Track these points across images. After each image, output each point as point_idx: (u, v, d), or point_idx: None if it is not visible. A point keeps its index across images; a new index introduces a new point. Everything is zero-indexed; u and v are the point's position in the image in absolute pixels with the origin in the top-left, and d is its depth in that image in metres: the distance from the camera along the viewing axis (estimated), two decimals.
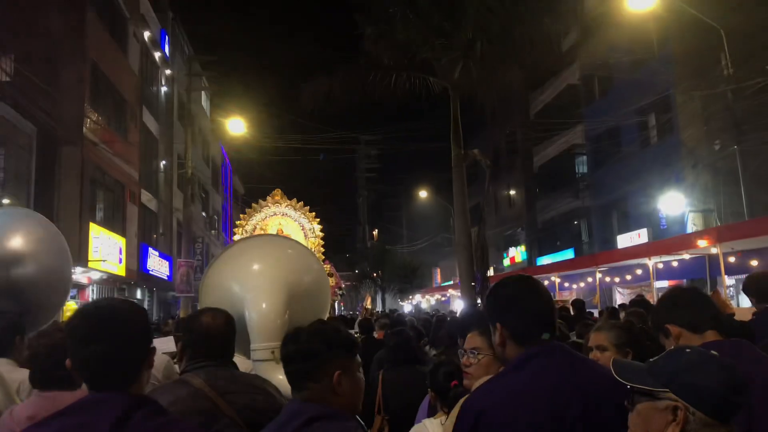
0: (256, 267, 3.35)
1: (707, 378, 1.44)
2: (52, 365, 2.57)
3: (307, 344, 1.90)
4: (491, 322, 2.02)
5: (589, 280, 18.89)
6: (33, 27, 16.32)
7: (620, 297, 18.98)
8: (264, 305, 3.16)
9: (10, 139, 14.76)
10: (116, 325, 1.71)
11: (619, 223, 24.08)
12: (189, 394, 2.36)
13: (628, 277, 17.35)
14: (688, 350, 1.53)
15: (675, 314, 2.32)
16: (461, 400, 2.42)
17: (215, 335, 2.53)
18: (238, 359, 2.85)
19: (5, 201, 14.82)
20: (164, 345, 4.91)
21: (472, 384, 2.45)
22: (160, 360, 3.81)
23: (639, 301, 7.37)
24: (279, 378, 2.97)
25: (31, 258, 3.44)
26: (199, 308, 3.32)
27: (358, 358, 2.01)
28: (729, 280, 13.99)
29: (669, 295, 2.52)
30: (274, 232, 12.94)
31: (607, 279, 18.20)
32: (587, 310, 11.18)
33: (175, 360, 4.77)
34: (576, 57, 26.03)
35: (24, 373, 2.95)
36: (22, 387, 3.01)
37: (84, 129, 17.07)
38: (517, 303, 2.00)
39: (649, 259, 14.83)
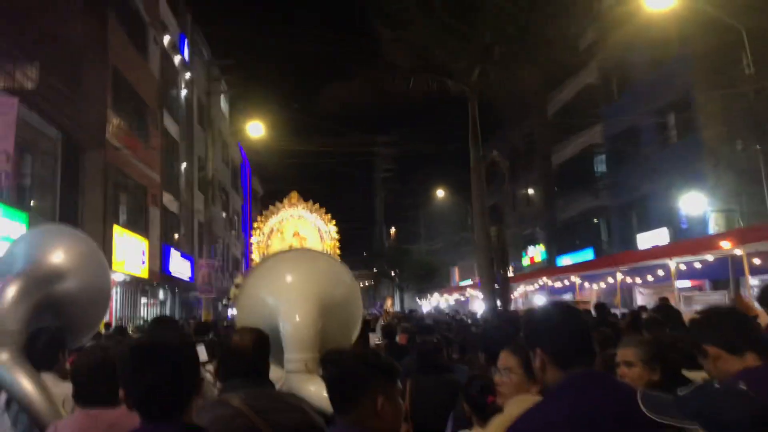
0: (289, 279, 3.43)
1: (734, 413, 1.47)
2: (94, 383, 2.66)
3: (351, 368, 1.97)
4: (530, 347, 2.07)
5: (610, 280, 18.79)
6: (56, 35, 16.59)
7: (641, 298, 18.89)
8: (297, 317, 3.23)
9: (36, 145, 15.03)
10: (167, 359, 1.80)
11: (639, 222, 23.92)
12: (229, 414, 2.44)
13: (650, 278, 17.24)
14: (716, 385, 1.56)
15: (713, 334, 2.27)
16: (496, 417, 2.48)
17: (246, 354, 2.60)
18: (271, 369, 2.93)
19: (32, 203, 15.13)
20: None
21: (504, 402, 2.51)
22: None
23: (662, 307, 7.34)
24: (311, 389, 3.06)
25: (72, 274, 3.54)
26: (236, 320, 3.42)
27: (399, 383, 2.07)
28: (753, 281, 13.86)
29: (708, 314, 2.47)
30: (291, 234, 13.06)
31: (628, 279, 18.09)
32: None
33: (205, 368, 4.86)
34: (594, 56, 25.89)
35: (67, 387, 3.06)
36: (66, 400, 3.12)
37: (106, 134, 17.33)
38: (556, 328, 2.05)
39: (671, 260, 14.73)
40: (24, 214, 13.36)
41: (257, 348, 2.62)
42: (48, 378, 3.24)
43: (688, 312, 12.55)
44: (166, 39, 24.37)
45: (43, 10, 16.29)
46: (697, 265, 14.90)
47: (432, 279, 38.98)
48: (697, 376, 2.79)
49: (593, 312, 10.48)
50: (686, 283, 17.96)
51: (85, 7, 17.48)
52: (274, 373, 3.09)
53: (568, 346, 2.01)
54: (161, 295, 25.08)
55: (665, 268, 15.64)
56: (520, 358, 2.51)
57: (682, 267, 15.34)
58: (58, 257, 3.50)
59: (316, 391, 2.95)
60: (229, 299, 19.10)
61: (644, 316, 10.75)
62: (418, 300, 44.14)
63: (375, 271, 46.91)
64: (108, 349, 2.87)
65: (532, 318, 2.18)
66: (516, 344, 2.58)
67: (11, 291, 3.11)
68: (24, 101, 12.58)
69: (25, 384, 2.98)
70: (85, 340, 3.92)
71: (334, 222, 13.36)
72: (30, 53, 15.08)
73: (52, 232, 3.97)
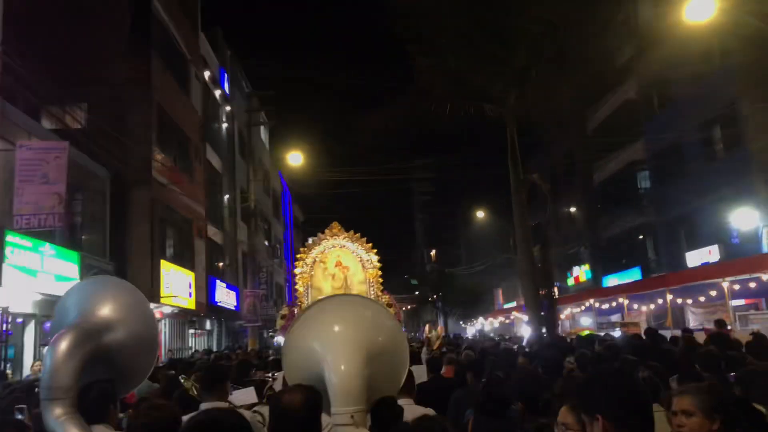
0: (334, 329, 3.39)
1: None
2: None
3: None
4: (590, 413, 2.04)
5: (659, 301, 18.30)
6: (101, 76, 17.19)
7: (693, 318, 18.33)
8: (342, 368, 3.19)
9: (86, 185, 15.52)
10: None
11: (688, 239, 23.28)
12: None
13: (701, 298, 16.74)
14: None
15: None
16: None
17: (297, 415, 2.59)
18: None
19: (83, 237, 15.61)
20: (245, 396, 5.04)
21: None
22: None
23: (717, 335, 7.06)
24: None
25: (120, 325, 3.61)
26: (284, 370, 3.40)
27: None
28: None
29: None
30: (333, 264, 13.10)
31: (679, 300, 17.60)
32: (659, 332, 10.85)
33: (254, 409, 4.85)
34: (633, 71, 25.53)
35: None
36: None
37: (152, 170, 17.79)
38: (618, 396, 2.02)
39: (724, 280, 14.28)
40: (75, 253, 13.76)
41: (308, 408, 2.60)
42: (99, 430, 3.30)
43: (743, 332, 12.12)
44: (207, 74, 25.01)
45: (88, 53, 16.92)
46: (752, 285, 14.42)
47: (476, 304, 38.46)
48: None
49: (644, 337, 10.21)
50: (740, 302, 17.38)
51: (129, 47, 18.07)
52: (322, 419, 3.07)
53: (631, 414, 1.99)
54: (208, 325, 25.44)
55: (717, 287, 15.19)
56: (578, 416, 2.47)
57: (736, 287, 14.88)
58: (106, 309, 3.58)
59: None
60: (275, 330, 19.30)
61: (694, 335, 10.43)
62: (462, 323, 43.68)
63: (417, 294, 46.71)
64: (162, 408, 2.93)
65: (591, 384, 2.15)
66: (575, 401, 2.53)
67: (63, 345, 3.17)
68: (73, 142, 13.02)
69: None
70: (134, 389, 3.99)
71: (375, 251, 13.36)
72: (77, 95, 15.65)
73: (99, 284, 4.06)
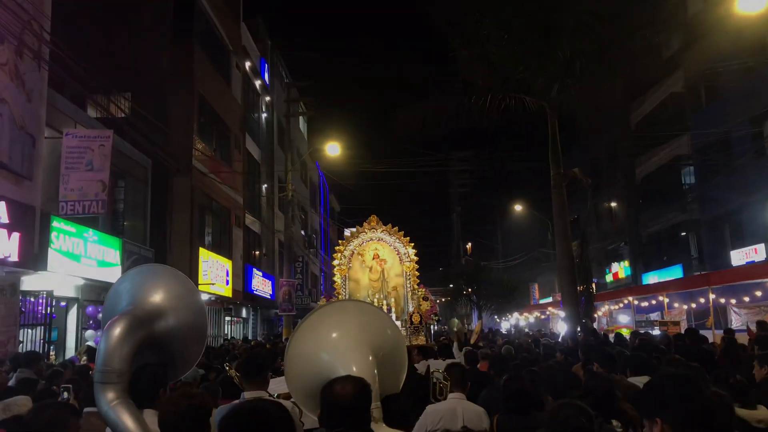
0: (338, 335, 3.36)
1: None
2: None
3: None
4: (648, 416, 2.02)
5: (701, 300, 17.88)
6: (145, 66, 17.48)
7: (736, 318, 17.85)
8: (355, 368, 3.17)
9: (129, 172, 15.82)
10: (264, 428, 1.82)
11: (732, 237, 22.69)
12: None
13: (746, 298, 16.29)
14: None
15: None
16: None
17: (347, 404, 2.60)
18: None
19: (125, 224, 15.92)
20: (281, 386, 5.07)
21: None
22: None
23: (764, 339, 6.83)
24: None
25: (171, 313, 3.65)
26: (287, 380, 3.38)
27: None
28: None
29: None
30: (371, 257, 13.10)
31: (722, 300, 17.15)
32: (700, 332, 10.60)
33: (292, 399, 4.88)
34: (679, 64, 24.89)
35: None
36: None
37: (193, 159, 18.03)
38: (678, 398, 2.00)
39: None
40: (117, 240, 14.05)
41: (358, 398, 2.62)
42: (149, 414, 3.34)
43: None
44: (248, 64, 25.20)
45: (132, 43, 17.21)
46: None
47: (511, 299, 38.11)
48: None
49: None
50: None
51: (172, 38, 18.34)
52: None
53: (694, 419, 1.97)
54: (244, 313, 25.76)
55: (763, 287, 14.77)
56: None
57: None
58: (158, 297, 3.62)
59: None
60: None
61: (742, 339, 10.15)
62: (496, 318, 43.38)
63: (452, 287, 46.57)
64: (193, 397, 2.96)
65: (652, 387, 2.11)
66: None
67: (116, 331, 3.21)
68: (117, 131, 13.27)
69: (129, 423, 3.09)
70: (183, 375, 4.05)
71: (412, 245, 13.34)
72: (121, 85, 15.92)
73: (152, 272, 4.10)
